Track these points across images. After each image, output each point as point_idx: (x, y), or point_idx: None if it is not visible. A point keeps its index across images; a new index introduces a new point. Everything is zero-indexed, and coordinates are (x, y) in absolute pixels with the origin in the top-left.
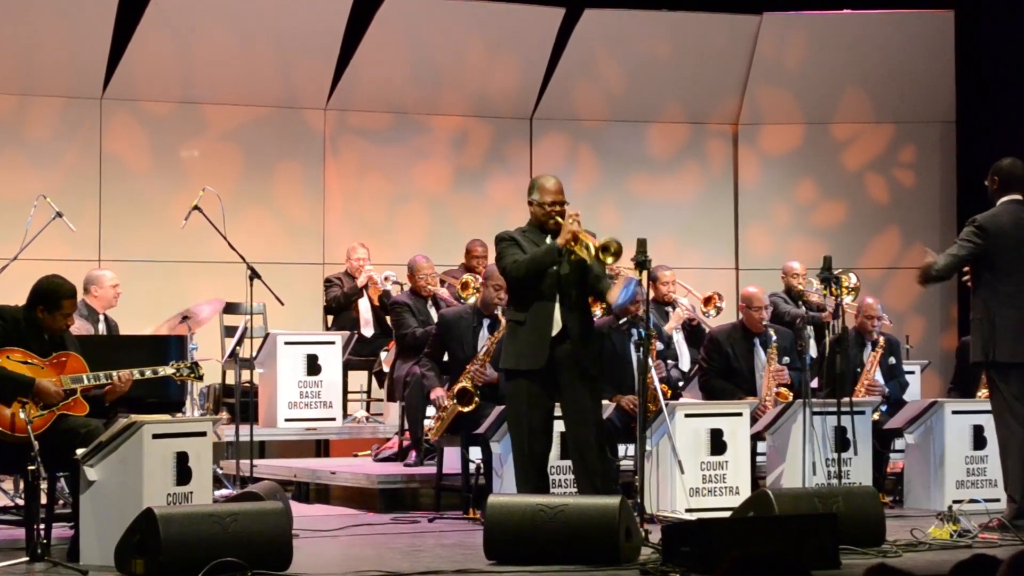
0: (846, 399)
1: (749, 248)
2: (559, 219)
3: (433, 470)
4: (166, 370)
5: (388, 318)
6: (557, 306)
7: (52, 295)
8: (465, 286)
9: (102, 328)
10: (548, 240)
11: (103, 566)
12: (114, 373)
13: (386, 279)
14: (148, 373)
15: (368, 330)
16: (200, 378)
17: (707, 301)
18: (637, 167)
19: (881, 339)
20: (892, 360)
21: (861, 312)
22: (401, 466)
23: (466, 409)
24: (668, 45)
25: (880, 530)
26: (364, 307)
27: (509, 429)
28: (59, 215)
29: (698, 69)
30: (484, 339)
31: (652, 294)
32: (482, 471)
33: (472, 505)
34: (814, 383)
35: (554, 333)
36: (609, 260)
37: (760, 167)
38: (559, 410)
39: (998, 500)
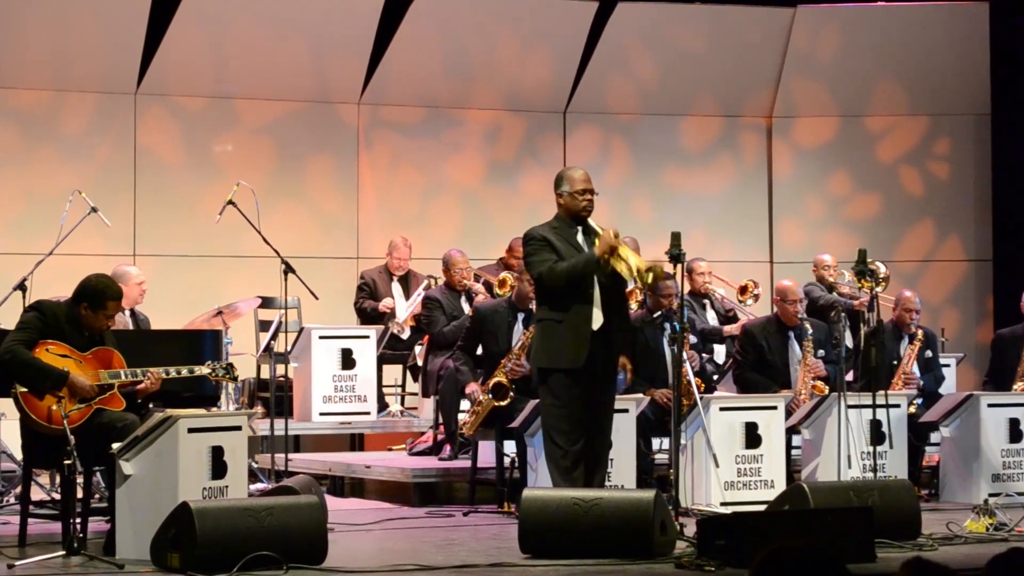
0: (881, 392)
1: (783, 241)
2: (588, 206)
3: (468, 464)
4: (202, 370)
5: (421, 313)
6: (595, 306)
7: (99, 294)
8: (503, 283)
9: (128, 323)
10: (580, 235)
11: (139, 560)
12: (148, 371)
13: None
14: (184, 372)
15: (404, 333)
16: (235, 379)
17: (743, 291)
18: (670, 160)
19: (919, 332)
20: (928, 353)
21: (899, 305)
22: (436, 460)
23: (502, 403)
24: (701, 38)
25: (916, 523)
26: (400, 308)
27: (543, 427)
28: (94, 210)
29: (731, 62)
30: (519, 333)
31: (688, 286)
32: (516, 465)
33: (507, 499)
34: (849, 376)
35: (593, 330)
36: (648, 280)
37: (794, 160)
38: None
39: None
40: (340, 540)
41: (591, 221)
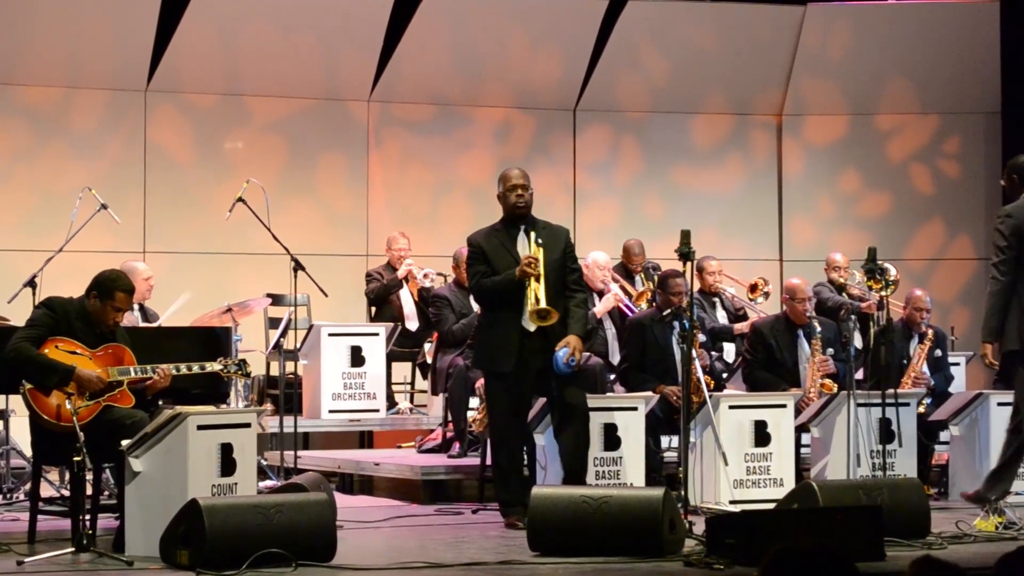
0: (891, 391)
1: (793, 239)
2: (519, 201)
3: (476, 461)
4: (213, 366)
5: (429, 310)
6: (525, 309)
7: (108, 284)
8: None
9: (137, 315)
10: (521, 236)
11: (148, 557)
12: (158, 368)
13: (425, 276)
14: (195, 368)
15: (412, 324)
16: (247, 375)
17: (753, 288)
18: (681, 158)
19: (930, 332)
20: (938, 352)
21: (910, 304)
22: (445, 457)
23: None
24: (712, 36)
25: (925, 522)
26: (406, 300)
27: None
28: (104, 207)
29: (742, 60)
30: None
31: (698, 285)
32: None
33: None
34: (859, 374)
35: (523, 333)
36: (534, 319)
37: (804, 158)
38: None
39: None
40: (349, 537)
41: (538, 218)
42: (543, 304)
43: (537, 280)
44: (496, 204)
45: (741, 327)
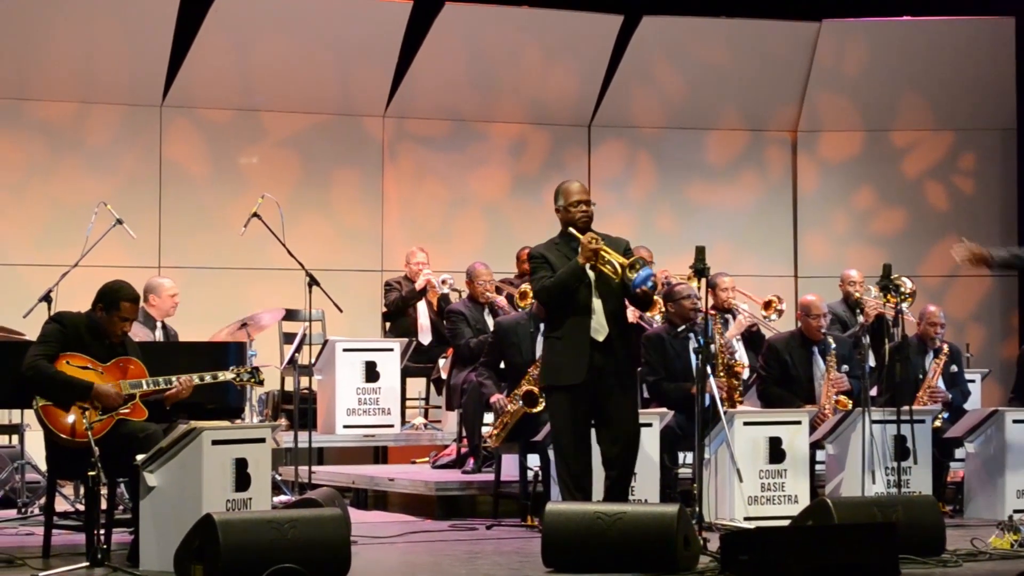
0: (906, 407)
1: (808, 256)
2: (584, 217)
3: (491, 477)
4: (226, 375)
5: (444, 325)
6: (592, 318)
7: (113, 295)
8: (524, 295)
9: (159, 335)
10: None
11: (162, 571)
12: (174, 378)
13: (444, 282)
14: (208, 378)
15: (425, 337)
16: (260, 383)
17: (767, 305)
18: (695, 174)
19: (945, 347)
20: (954, 368)
21: (924, 319)
22: (459, 473)
23: (535, 410)
24: (727, 52)
25: (940, 539)
26: (422, 314)
27: (553, 444)
28: (119, 222)
29: (757, 76)
30: (542, 344)
31: (712, 301)
32: (540, 478)
33: (530, 512)
34: (874, 391)
35: (592, 344)
36: (632, 275)
37: (819, 174)
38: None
39: None
40: (363, 553)
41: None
42: (625, 262)
43: (605, 253)
44: (508, 220)
45: (732, 332)
